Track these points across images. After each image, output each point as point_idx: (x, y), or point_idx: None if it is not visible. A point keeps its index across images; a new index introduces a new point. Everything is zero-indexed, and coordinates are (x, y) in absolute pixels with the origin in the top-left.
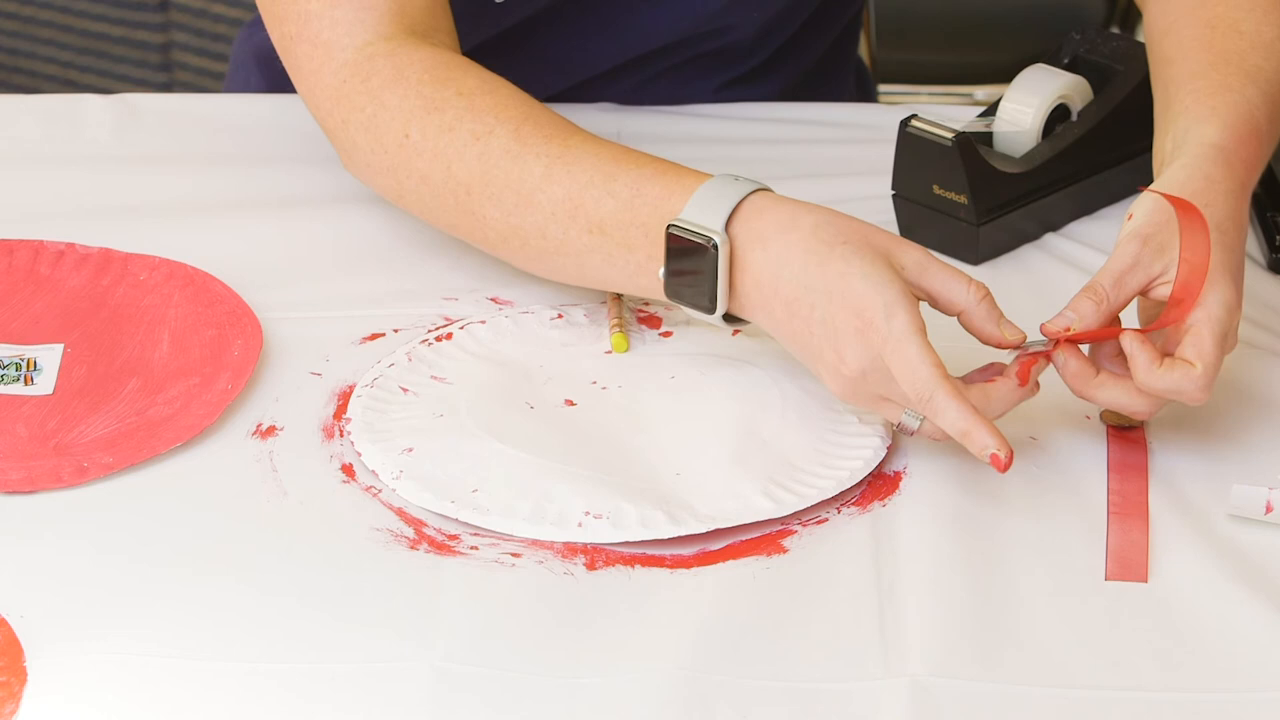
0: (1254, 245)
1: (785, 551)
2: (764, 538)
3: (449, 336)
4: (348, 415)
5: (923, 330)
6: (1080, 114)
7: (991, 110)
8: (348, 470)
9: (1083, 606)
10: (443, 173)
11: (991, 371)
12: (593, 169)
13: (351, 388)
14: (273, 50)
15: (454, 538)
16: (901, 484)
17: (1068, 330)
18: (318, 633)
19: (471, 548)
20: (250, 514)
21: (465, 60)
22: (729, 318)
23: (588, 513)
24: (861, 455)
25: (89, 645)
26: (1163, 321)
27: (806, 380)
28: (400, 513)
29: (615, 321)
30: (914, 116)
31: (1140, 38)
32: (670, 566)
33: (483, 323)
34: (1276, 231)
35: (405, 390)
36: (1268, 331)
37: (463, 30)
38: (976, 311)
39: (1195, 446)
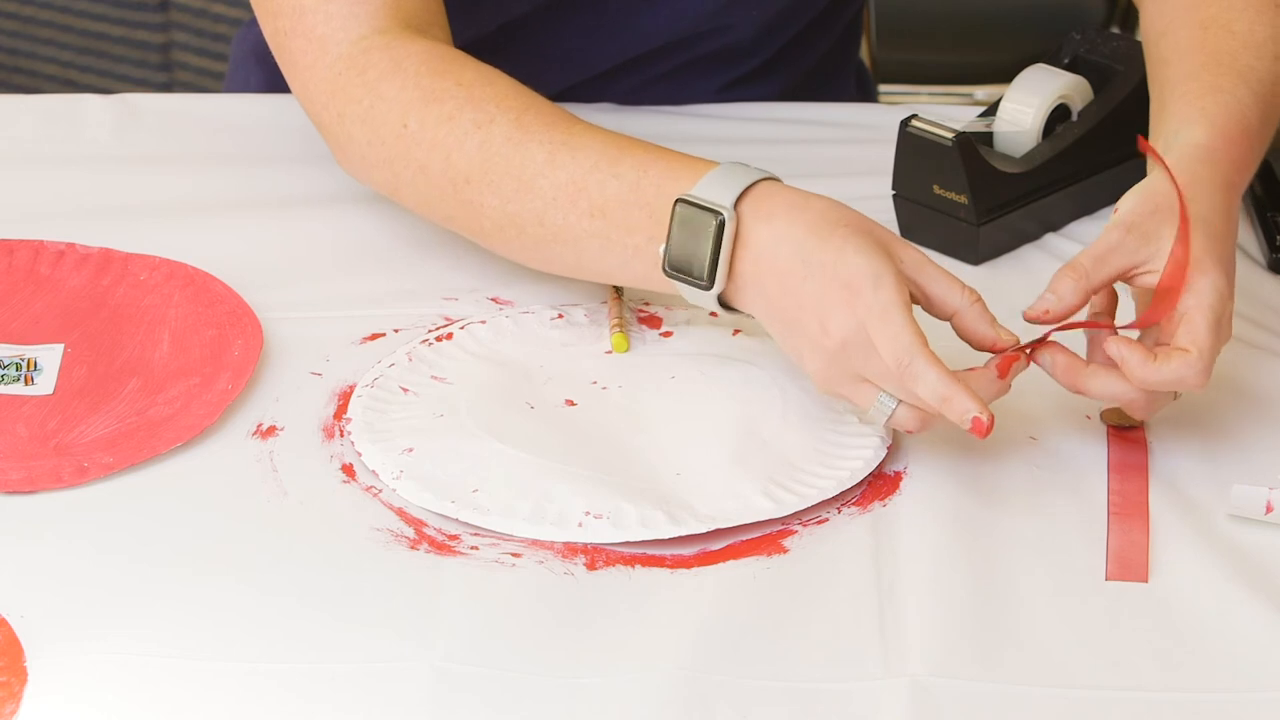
0: (1254, 245)
1: (785, 551)
2: (764, 538)
3: (449, 336)
4: (348, 415)
5: (909, 306)
6: (1080, 114)
7: (992, 110)
8: (348, 470)
9: (1083, 606)
10: (441, 162)
11: None
12: (598, 154)
13: (352, 388)
14: None
15: (454, 538)
16: (902, 484)
17: (1047, 313)
18: (318, 633)
19: (472, 548)
20: (250, 514)
21: (462, 53)
22: (723, 306)
23: (588, 513)
24: (862, 455)
25: (89, 645)
26: (1151, 314)
27: (807, 380)
28: (400, 513)
29: (615, 321)
30: (914, 116)
31: (1140, 38)
32: (670, 566)
33: (483, 323)
34: (1276, 231)
35: (405, 390)
36: (1268, 331)
37: (459, 24)
38: (970, 313)
39: (1195, 446)
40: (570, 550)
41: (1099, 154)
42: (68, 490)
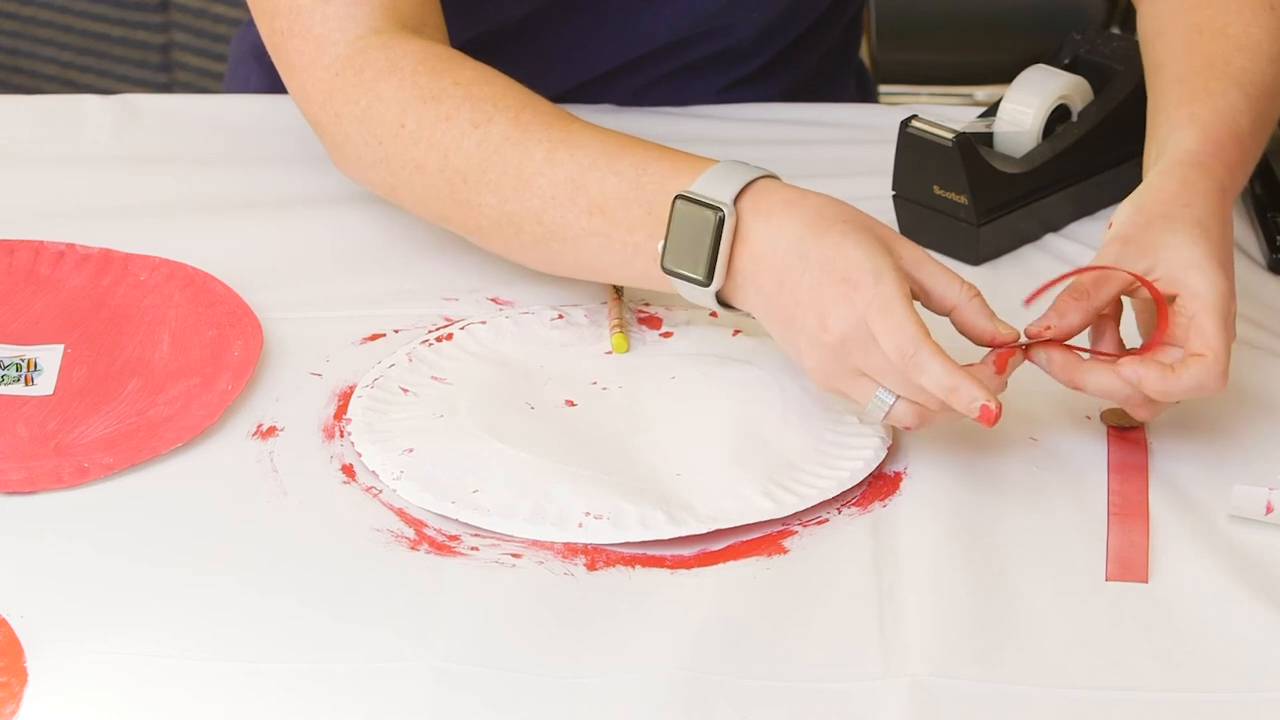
0: (1254, 245)
1: (785, 552)
2: (764, 538)
3: (449, 337)
4: (348, 415)
5: (910, 298)
6: (1081, 114)
7: (992, 110)
8: (348, 471)
9: (1083, 606)
10: (439, 161)
11: None
12: (597, 152)
13: (352, 388)
14: None
15: (454, 538)
16: (902, 484)
17: (1048, 328)
18: (318, 633)
19: (472, 548)
20: (250, 514)
21: (459, 53)
22: (721, 305)
23: (588, 513)
24: (862, 455)
25: (89, 645)
26: (1150, 345)
27: (807, 380)
28: (400, 513)
29: (615, 322)
30: (914, 117)
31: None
32: (670, 567)
33: (483, 323)
34: (1276, 231)
35: (405, 391)
36: (1268, 331)
37: (459, 25)
38: (969, 308)
39: (1195, 447)
40: (570, 551)
41: (1099, 154)
42: (68, 490)
